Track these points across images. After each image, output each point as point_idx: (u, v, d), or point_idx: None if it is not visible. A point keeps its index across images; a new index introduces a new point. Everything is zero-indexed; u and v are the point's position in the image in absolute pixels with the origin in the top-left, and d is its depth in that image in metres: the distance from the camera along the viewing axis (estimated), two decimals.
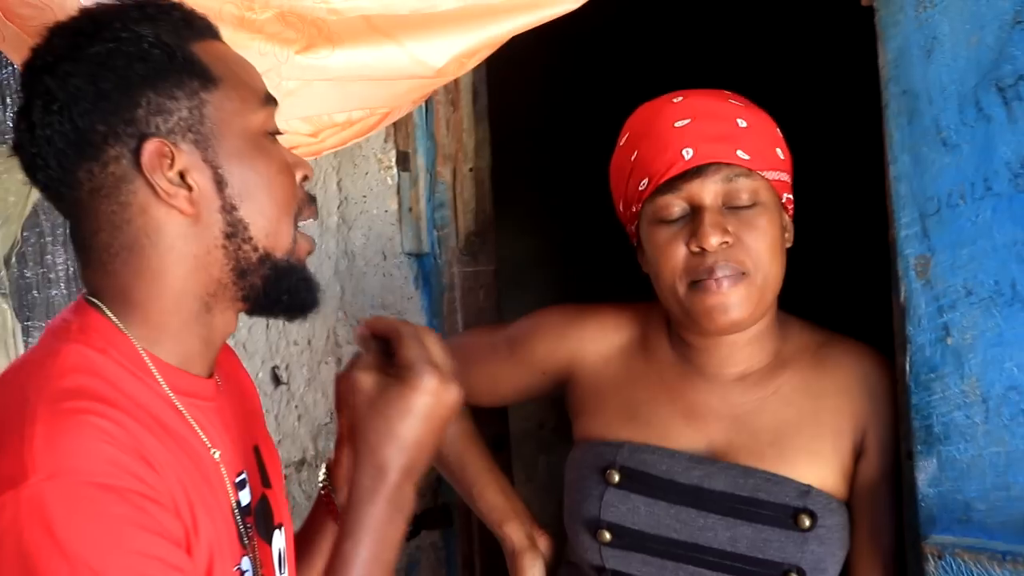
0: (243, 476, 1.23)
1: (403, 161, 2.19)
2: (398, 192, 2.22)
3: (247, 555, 1.19)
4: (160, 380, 1.13)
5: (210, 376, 1.22)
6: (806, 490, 1.51)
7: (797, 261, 1.62)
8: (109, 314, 1.13)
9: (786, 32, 3.37)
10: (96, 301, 1.14)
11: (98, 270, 1.15)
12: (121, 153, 1.10)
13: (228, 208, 1.13)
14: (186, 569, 1.02)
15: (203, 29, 1.18)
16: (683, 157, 1.50)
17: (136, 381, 1.11)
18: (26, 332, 2.19)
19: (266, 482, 1.30)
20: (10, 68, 2.08)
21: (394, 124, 2.06)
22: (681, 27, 3.45)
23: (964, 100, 1.36)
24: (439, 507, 2.19)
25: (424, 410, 1.14)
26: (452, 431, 1.82)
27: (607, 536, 1.58)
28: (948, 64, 1.37)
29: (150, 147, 1.09)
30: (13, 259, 2.22)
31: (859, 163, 1.96)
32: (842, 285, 2.37)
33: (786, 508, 1.51)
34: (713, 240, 1.48)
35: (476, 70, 1.98)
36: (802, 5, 2.98)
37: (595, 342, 1.72)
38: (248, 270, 1.16)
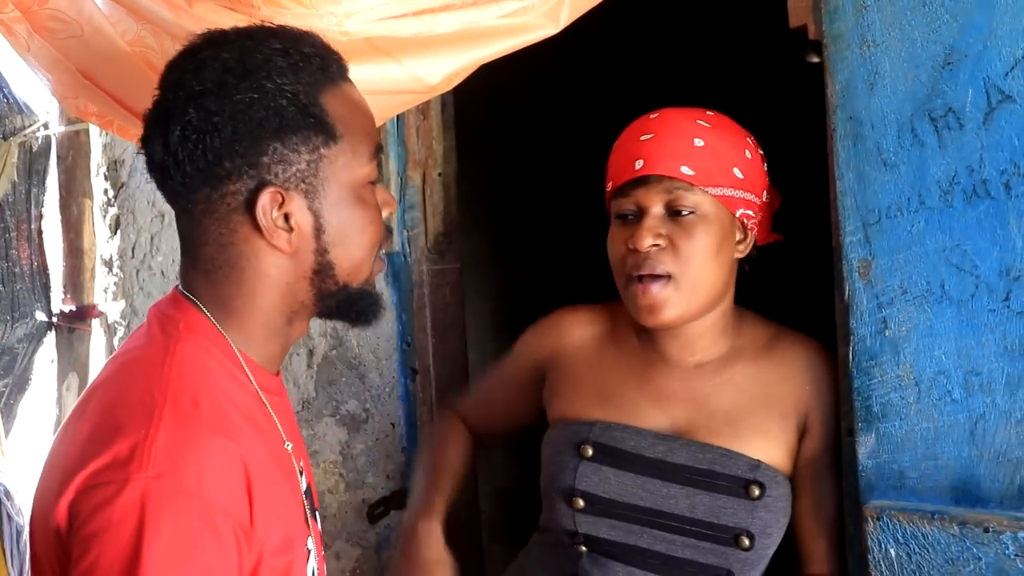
0: (301, 465, 1.32)
1: None
2: None
3: (310, 535, 1.28)
4: (251, 378, 1.23)
5: (278, 374, 1.32)
6: (756, 464, 1.63)
7: (756, 265, 1.74)
8: (208, 315, 1.22)
9: (740, 57, 3.48)
10: (194, 299, 1.23)
11: (201, 275, 1.23)
12: (239, 190, 1.18)
13: (321, 251, 1.22)
14: None
15: (336, 73, 1.26)
16: (635, 167, 1.64)
17: (233, 379, 1.20)
18: None
19: (309, 473, 1.40)
20: None
21: None
22: (631, 46, 3.53)
23: (902, 127, 1.48)
24: (407, 489, 2.28)
25: None
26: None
27: (581, 503, 1.70)
28: (888, 96, 1.49)
29: (266, 194, 1.17)
30: None
31: (800, 179, 2.13)
32: (789, 284, 2.53)
33: (739, 480, 1.62)
34: (644, 242, 1.61)
35: None
36: (753, 36, 3.08)
37: (571, 335, 1.85)
38: (327, 295, 1.26)
